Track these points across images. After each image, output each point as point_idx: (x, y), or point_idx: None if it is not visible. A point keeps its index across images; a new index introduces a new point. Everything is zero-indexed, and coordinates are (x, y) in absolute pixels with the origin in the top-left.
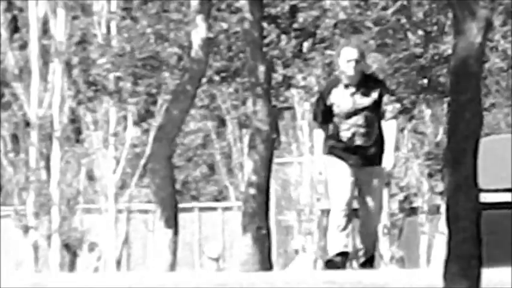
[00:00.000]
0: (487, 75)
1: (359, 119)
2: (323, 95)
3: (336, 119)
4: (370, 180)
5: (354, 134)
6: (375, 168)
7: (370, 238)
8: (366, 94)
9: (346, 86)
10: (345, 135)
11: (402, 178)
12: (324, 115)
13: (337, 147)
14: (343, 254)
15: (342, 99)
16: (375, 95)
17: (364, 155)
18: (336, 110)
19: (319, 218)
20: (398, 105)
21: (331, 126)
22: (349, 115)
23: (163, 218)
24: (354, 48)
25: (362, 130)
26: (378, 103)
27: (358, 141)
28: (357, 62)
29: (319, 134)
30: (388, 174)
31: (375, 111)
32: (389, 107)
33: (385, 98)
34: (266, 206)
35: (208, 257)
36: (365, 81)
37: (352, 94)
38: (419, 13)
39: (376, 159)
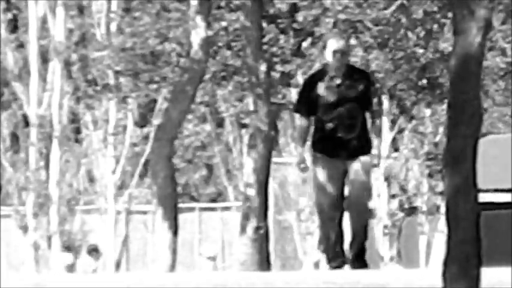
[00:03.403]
0: (485, 75)
1: (343, 111)
2: (308, 86)
3: (320, 111)
4: (355, 172)
5: (337, 126)
6: (360, 158)
7: (360, 228)
8: (352, 86)
9: (332, 78)
10: (328, 126)
11: (403, 178)
12: (308, 106)
13: (320, 141)
14: (341, 266)
15: (327, 90)
16: (360, 87)
17: (347, 148)
18: (320, 101)
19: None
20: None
21: (315, 118)
22: (333, 107)
23: (163, 218)
24: (340, 40)
25: (346, 122)
26: (363, 95)
27: (341, 133)
28: (343, 53)
29: (302, 126)
30: (389, 175)
31: (360, 103)
32: (374, 100)
33: (371, 91)
34: (265, 206)
35: (205, 257)
36: (351, 73)
37: (338, 86)
38: (419, 11)
39: (359, 151)
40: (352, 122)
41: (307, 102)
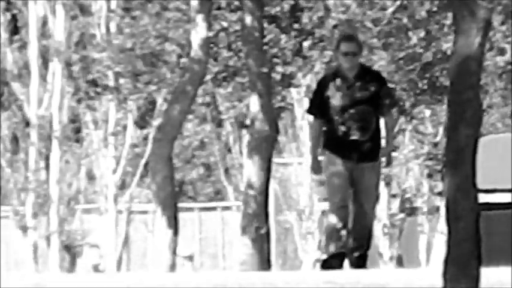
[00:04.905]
0: (484, 75)
1: (355, 113)
2: (320, 88)
3: (332, 113)
4: (365, 176)
5: (349, 128)
6: (370, 164)
7: (363, 234)
8: (364, 87)
9: (344, 79)
10: (340, 129)
11: (403, 179)
12: (321, 108)
13: (333, 142)
14: (340, 255)
15: (339, 92)
16: (372, 88)
17: (360, 150)
18: (332, 103)
19: (319, 219)
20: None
21: (327, 120)
22: (345, 108)
23: (163, 218)
24: (352, 42)
25: (358, 124)
26: (375, 97)
27: (354, 136)
28: (355, 55)
29: (316, 128)
30: (389, 175)
31: (373, 105)
32: (387, 101)
33: (383, 92)
34: (265, 206)
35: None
36: (363, 75)
37: (350, 87)
38: (422, 12)
39: (372, 154)
40: (364, 124)
41: (321, 104)
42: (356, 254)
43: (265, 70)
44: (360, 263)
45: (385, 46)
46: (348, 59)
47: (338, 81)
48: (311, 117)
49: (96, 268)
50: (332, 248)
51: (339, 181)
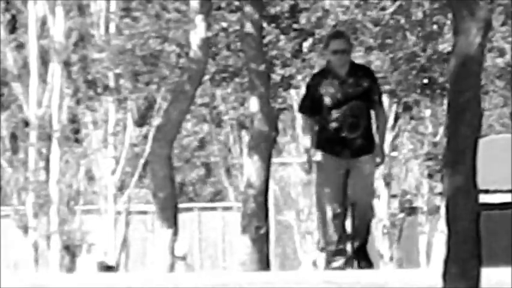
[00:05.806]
0: (484, 76)
1: (347, 110)
2: (312, 87)
3: (324, 110)
4: (360, 169)
5: (341, 125)
6: (364, 157)
7: (361, 227)
8: (356, 84)
9: (335, 77)
10: (332, 126)
11: (403, 179)
12: (313, 107)
13: (325, 140)
14: (340, 259)
15: (332, 89)
16: (364, 84)
17: (351, 146)
18: (324, 101)
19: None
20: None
21: (319, 118)
22: (337, 106)
23: (162, 218)
24: (341, 39)
25: (350, 120)
26: (368, 93)
27: (346, 132)
28: (344, 52)
29: (307, 127)
30: (389, 175)
31: (364, 101)
32: (376, 97)
33: (374, 90)
34: (265, 206)
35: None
36: (354, 71)
37: (341, 84)
38: (419, 13)
39: (365, 149)
40: (355, 120)
41: (312, 102)
42: (356, 245)
43: (264, 70)
44: (360, 250)
45: (383, 46)
46: (338, 57)
47: (329, 78)
48: (304, 117)
49: (102, 265)
50: (339, 263)
51: (333, 188)
